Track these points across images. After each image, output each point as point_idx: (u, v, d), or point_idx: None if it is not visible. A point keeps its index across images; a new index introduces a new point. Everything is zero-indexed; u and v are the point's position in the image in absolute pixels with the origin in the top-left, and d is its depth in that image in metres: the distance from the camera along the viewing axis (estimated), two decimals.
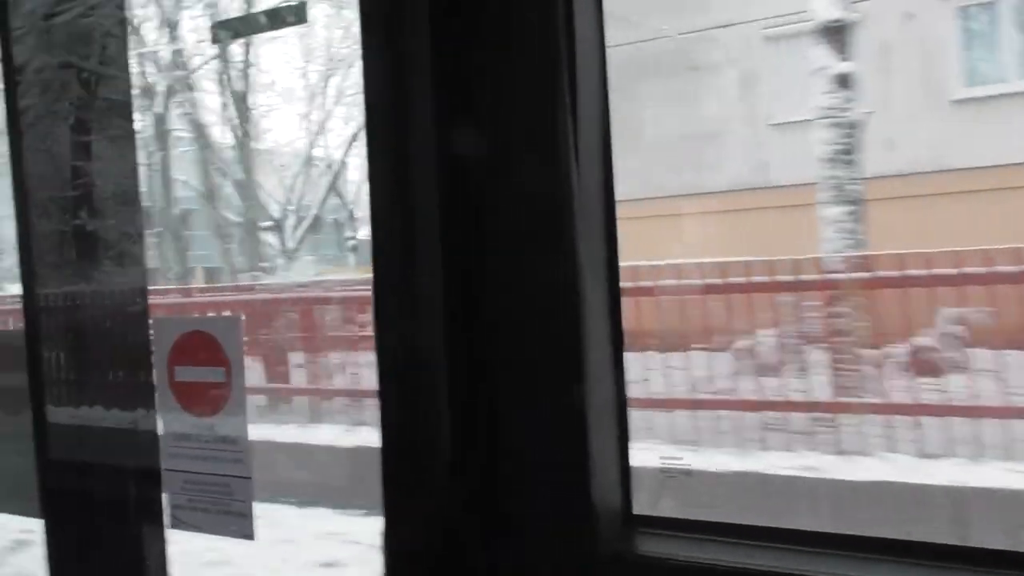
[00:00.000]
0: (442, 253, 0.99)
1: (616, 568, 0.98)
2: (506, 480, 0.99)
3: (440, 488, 0.99)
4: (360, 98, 1.03)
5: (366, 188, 1.05)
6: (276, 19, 1.60)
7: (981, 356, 5.58)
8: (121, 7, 1.63)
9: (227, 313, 8.86)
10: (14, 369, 1.71)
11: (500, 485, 0.99)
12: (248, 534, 1.39)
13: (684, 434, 6.02)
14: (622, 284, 1.02)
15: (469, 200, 1.00)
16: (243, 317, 7.85)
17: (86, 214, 1.63)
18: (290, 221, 14.33)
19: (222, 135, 13.93)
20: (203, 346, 1.46)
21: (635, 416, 1.03)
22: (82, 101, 1.65)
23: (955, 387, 5.56)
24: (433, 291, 0.99)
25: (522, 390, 0.98)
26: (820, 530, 0.94)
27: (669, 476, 4.54)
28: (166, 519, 1.50)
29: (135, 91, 1.69)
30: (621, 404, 1.03)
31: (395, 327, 1.02)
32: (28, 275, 1.65)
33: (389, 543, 1.03)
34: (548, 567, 0.99)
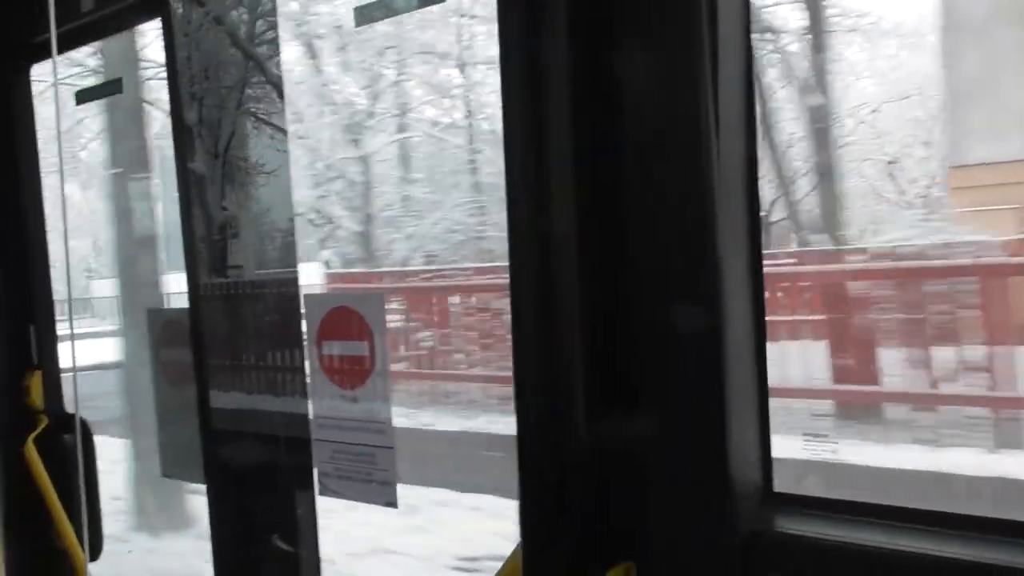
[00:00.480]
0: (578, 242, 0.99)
1: (755, 545, 0.96)
2: (644, 458, 0.99)
3: (578, 468, 1.00)
4: None
5: None
6: None
7: None
8: None
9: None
10: (182, 345, 1.85)
11: (638, 463, 0.99)
12: (392, 502, 1.44)
13: None
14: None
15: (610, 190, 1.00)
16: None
17: (237, 201, 1.74)
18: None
19: None
20: (349, 322, 1.53)
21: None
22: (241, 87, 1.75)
23: None
24: (570, 281, 0.99)
25: (663, 366, 0.97)
26: (963, 512, 0.89)
27: None
28: (316, 486, 1.58)
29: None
30: (762, 381, 1.00)
31: (529, 312, 1.03)
32: (191, 260, 1.77)
33: (527, 527, 1.03)
34: (686, 544, 0.98)
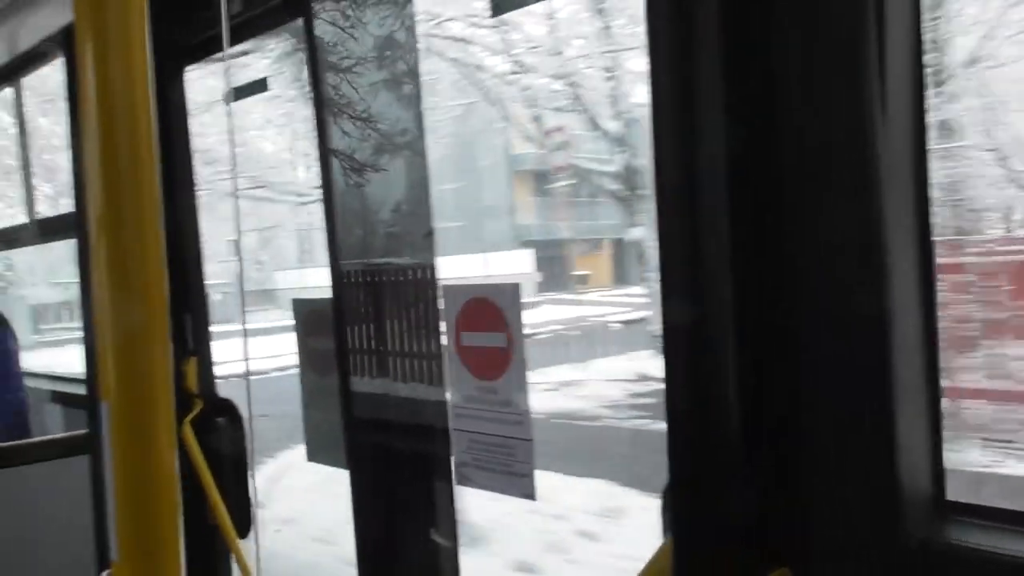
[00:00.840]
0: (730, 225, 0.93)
1: (924, 556, 0.89)
2: (805, 461, 0.93)
3: (733, 469, 0.95)
4: None
5: None
6: None
7: None
8: None
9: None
10: (326, 334, 1.91)
11: (803, 466, 0.93)
12: (530, 494, 1.43)
13: None
14: None
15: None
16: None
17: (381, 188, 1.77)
18: None
19: None
20: (486, 312, 1.53)
21: None
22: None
23: None
24: (721, 271, 0.94)
25: (828, 367, 0.91)
26: None
27: None
28: (454, 476, 1.59)
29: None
30: (933, 385, 0.93)
31: (680, 302, 0.99)
32: (333, 253, 1.82)
33: (679, 529, 0.99)
34: (849, 552, 0.92)
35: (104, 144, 0.66)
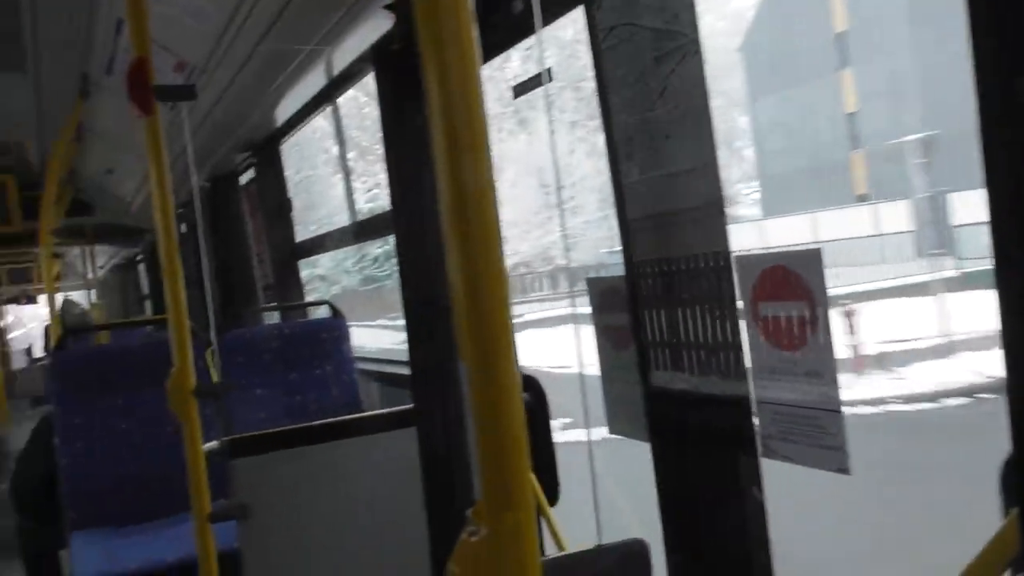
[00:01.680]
0: None
1: None
2: None
3: None
4: None
5: None
6: None
7: None
8: None
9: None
10: (621, 310, 1.97)
11: None
12: (843, 467, 1.39)
13: None
14: None
15: None
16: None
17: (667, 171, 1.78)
18: None
19: None
20: (786, 281, 1.49)
21: None
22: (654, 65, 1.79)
23: None
24: None
25: None
26: None
27: None
28: (759, 448, 1.58)
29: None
30: None
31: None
32: (624, 227, 1.87)
33: None
34: None
35: (448, 144, 0.77)
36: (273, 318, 4.79)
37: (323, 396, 3.74)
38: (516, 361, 0.81)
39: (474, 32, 0.78)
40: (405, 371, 3.52)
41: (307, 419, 3.65)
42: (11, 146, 5.40)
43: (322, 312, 4.10)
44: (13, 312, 16.66)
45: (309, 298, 5.44)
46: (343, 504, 2.61)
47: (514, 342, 0.80)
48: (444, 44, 0.76)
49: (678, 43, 1.76)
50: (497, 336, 0.78)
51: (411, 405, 2.63)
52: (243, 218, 5.04)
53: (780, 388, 1.51)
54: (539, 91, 2.12)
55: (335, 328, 3.82)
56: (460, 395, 2.41)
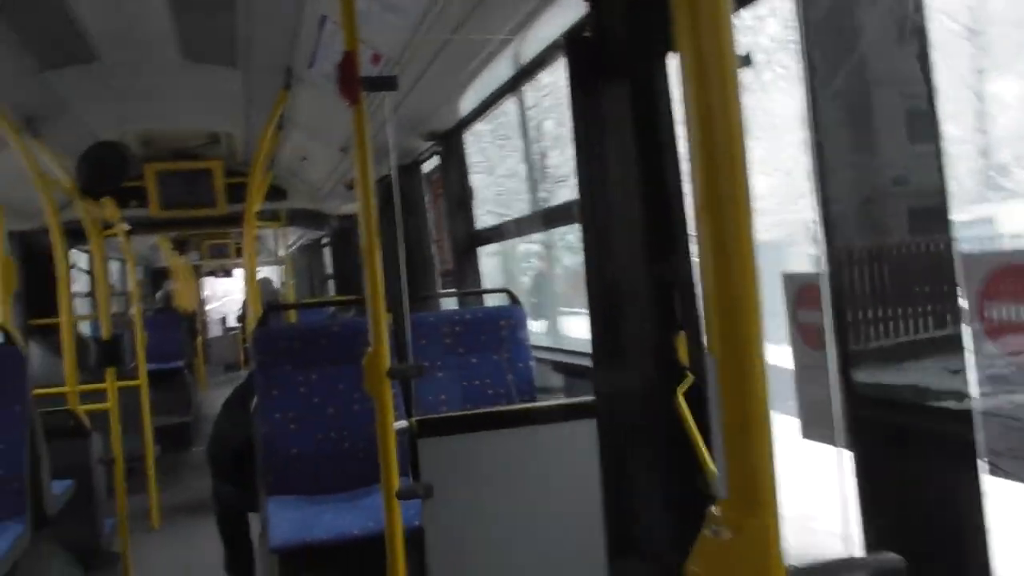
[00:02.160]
0: None
1: None
2: None
3: None
4: None
5: None
6: None
7: None
8: None
9: None
10: (820, 307, 1.86)
11: None
12: None
13: None
14: None
15: None
16: None
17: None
18: None
19: None
20: (1020, 282, 1.35)
21: None
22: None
23: None
24: None
25: None
26: None
27: None
28: (982, 464, 1.44)
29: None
30: None
31: None
32: (827, 223, 1.76)
33: None
34: None
35: (703, 137, 0.75)
36: (449, 304, 4.94)
37: (499, 382, 3.81)
38: (765, 361, 0.78)
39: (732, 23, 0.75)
40: (583, 362, 3.52)
41: (484, 404, 3.74)
42: (221, 136, 5.86)
43: (498, 300, 4.17)
44: (208, 285, 18.18)
45: (519, 279, 5.55)
46: (521, 492, 2.65)
47: (763, 342, 0.77)
48: (700, 35, 0.73)
49: (897, 19, 1.64)
50: (748, 337, 0.75)
51: (591, 396, 2.62)
52: (423, 205, 5.22)
53: (1012, 399, 1.38)
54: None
55: (513, 315, 3.87)
56: (646, 389, 2.38)
